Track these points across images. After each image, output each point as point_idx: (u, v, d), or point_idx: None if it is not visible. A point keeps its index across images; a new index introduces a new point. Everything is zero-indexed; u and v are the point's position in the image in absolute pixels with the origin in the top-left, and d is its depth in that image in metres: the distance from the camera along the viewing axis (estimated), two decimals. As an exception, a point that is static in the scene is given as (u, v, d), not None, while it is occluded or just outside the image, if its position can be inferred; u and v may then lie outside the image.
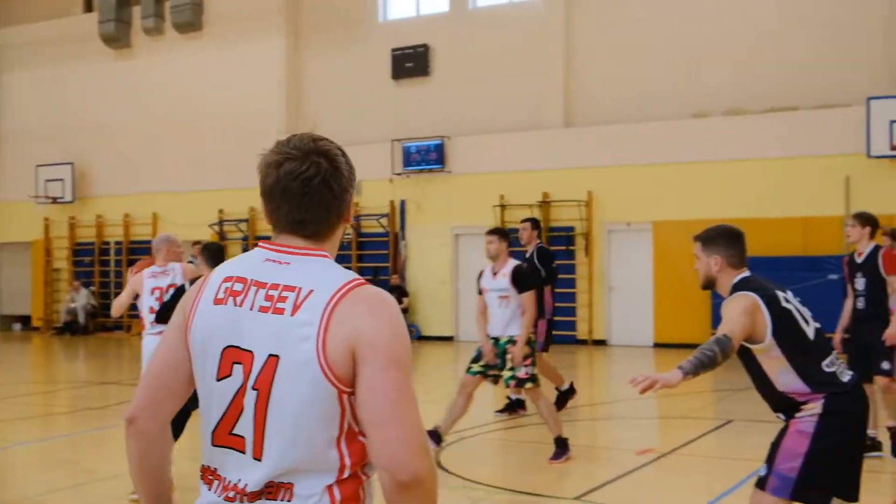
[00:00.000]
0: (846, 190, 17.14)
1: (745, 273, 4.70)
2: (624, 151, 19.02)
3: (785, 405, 4.53)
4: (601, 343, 19.44)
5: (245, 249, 23.17)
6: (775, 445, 4.52)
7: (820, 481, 4.43)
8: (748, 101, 18.28)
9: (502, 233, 8.61)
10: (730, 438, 9.86)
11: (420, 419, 2.12)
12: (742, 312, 4.42)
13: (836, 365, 4.53)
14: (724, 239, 4.73)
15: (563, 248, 19.56)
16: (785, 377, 4.47)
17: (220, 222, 23.34)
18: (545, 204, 19.81)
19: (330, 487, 2.17)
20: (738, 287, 4.62)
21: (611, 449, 9.41)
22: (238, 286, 2.27)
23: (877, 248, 8.13)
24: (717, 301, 17.41)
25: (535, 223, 10.93)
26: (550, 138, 19.89)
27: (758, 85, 18.17)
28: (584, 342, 19.59)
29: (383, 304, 2.21)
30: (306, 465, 2.16)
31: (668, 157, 18.61)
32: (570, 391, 10.85)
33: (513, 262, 8.49)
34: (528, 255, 10.64)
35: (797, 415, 4.47)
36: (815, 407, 4.43)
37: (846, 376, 4.52)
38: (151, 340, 7.51)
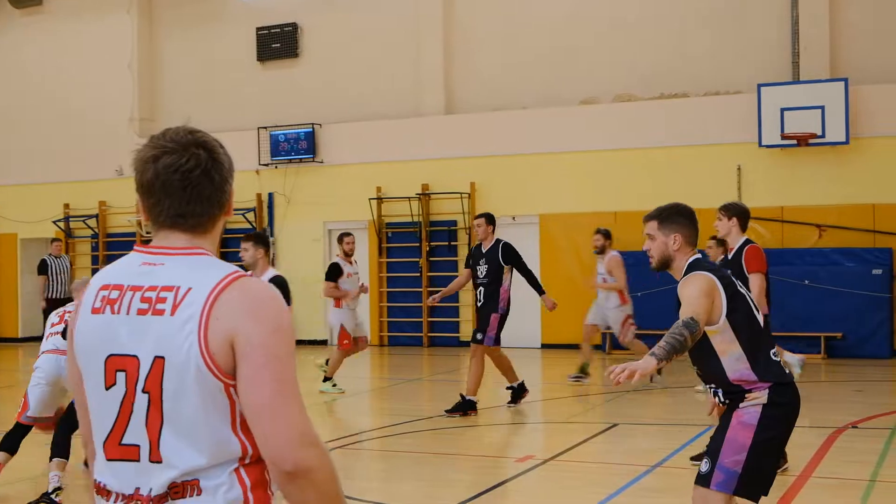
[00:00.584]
0: (738, 180, 17.91)
1: (698, 254, 4.97)
2: (508, 140, 19.40)
3: (732, 393, 4.78)
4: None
5: (94, 248, 22.80)
6: (718, 439, 4.74)
7: (763, 474, 4.67)
8: (637, 88, 18.91)
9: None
10: (614, 443, 10.27)
11: (303, 411, 2.30)
12: (701, 294, 4.66)
13: (778, 356, 4.82)
14: (683, 217, 4.98)
15: (445, 243, 19.88)
16: (735, 363, 4.73)
17: (66, 218, 22.91)
18: (425, 196, 20.09)
19: (237, 472, 2.35)
20: (693, 267, 4.88)
21: (490, 456, 9.68)
22: (114, 294, 2.40)
23: (746, 243, 8.25)
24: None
25: (489, 218, 11.96)
26: (430, 126, 20.14)
27: (647, 71, 18.80)
28: (467, 344, 19.83)
29: (263, 298, 2.37)
30: (207, 459, 2.32)
31: (555, 146, 19.08)
32: (522, 389, 12.07)
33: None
34: (485, 252, 11.83)
35: (741, 405, 4.72)
36: (760, 397, 4.69)
37: (789, 371, 4.84)
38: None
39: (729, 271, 7.97)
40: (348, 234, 13.75)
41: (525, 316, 19.25)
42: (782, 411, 4.74)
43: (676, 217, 4.97)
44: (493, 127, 19.66)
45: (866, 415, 11.07)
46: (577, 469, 8.90)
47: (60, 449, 7.54)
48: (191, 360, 2.30)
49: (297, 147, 20.95)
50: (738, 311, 4.74)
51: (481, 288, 11.75)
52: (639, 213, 18.43)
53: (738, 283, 4.88)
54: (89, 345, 2.42)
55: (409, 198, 20.04)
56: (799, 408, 4.85)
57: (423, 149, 20.09)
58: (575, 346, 18.45)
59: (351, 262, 13.57)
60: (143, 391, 2.34)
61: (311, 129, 20.90)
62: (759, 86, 17.39)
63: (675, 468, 8.58)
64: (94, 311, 2.43)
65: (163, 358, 2.32)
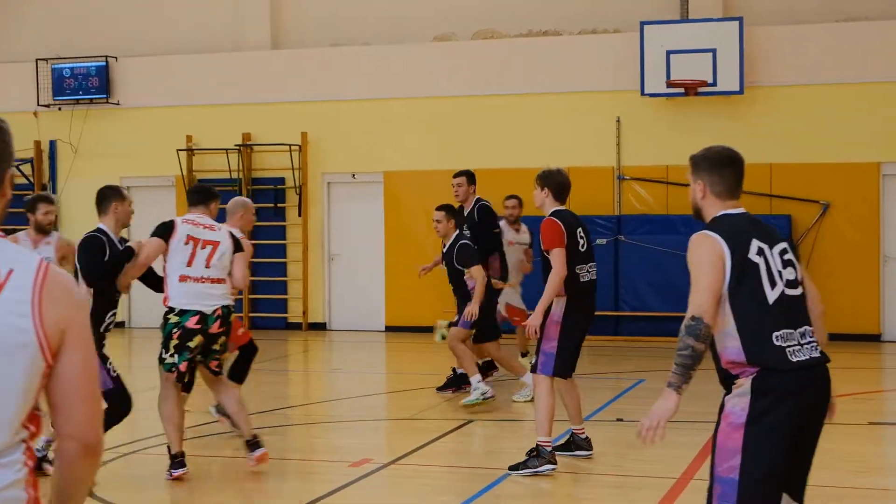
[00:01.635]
0: (617, 134, 18.24)
1: (730, 210, 5.05)
2: (347, 83, 19.25)
3: (723, 379, 4.88)
4: (319, 327, 19.61)
5: None
6: (713, 448, 4.86)
7: (765, 476, 4.72)
8: (502, 23, 18.95)
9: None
10: (467, 443, 10.29)
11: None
12: (708, 266, 4.79)
13: (793, 341, 4.81)
14: (709, 162, 5.09)
15: (271, 204, 19.62)
16: (728, 341, 4.81)
17: None
18: (246, 148, 19.78)
19: (27, 451, 2.82)
20: (710, 225, 5.01)
21: (319, 461, 9.62)
22: None
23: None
24: None
25: (470, 176, 12.52)
26: (253, 63, 19.85)
27: (513, 3, 18.86)
28: (297, 326, 19.72)
29: (72, 284, 2.88)
30: (9, 436, 2.76)
31: (404, 91, 19.01)
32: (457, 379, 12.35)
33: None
34: (466, 214, 12.08)
35: (727, 397, 4.84)
36: (743, 384, 4.76)
37: (800, 356, 4.79)
38: None
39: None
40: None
41: (368, 296, 19.17)
42: (772, 402, 4.73)
43: (702, 162, 5.12)
44: (328, 67, 19.46)
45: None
46: (422, 474, 8.88)
47: None
48: (25, 341, 2.73)
49: (86, 85, 20.32)
50: (742, 284, 4.81)
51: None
52: (501, 171, 18.67)
53: (761, 248, 4.90)
54: None
55: (226, 150, 19.69)
56: (806, 397, 4.81)
57: (244, 91, 19.80)
58: (420, 329, 18.43)
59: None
60: None
61: (104, 63, 20.31)
62: (642, 24, 17.63)
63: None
64: None
65: None
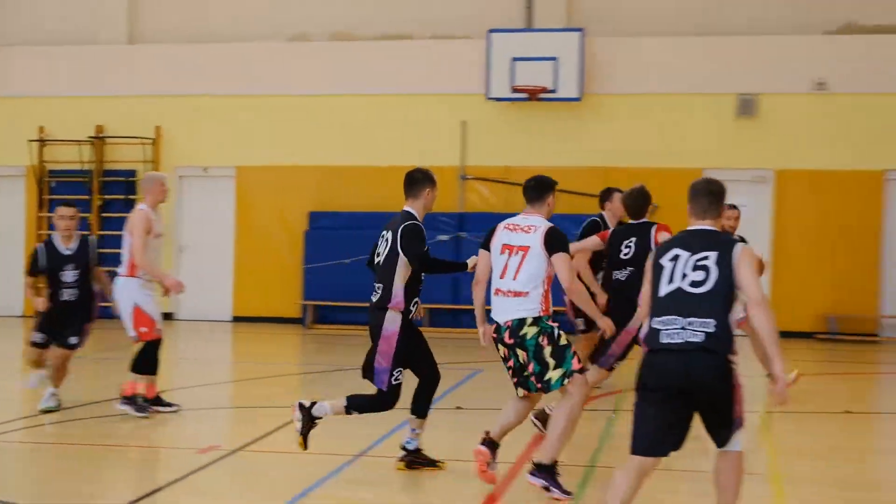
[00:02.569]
0: (462, 135, 18.13)
1: (690, 227, 5.97)
2: (202, 78, 18.84)
3: None
4: (166, 317, 18.94)
5: None
6: None
7: (639, 430, 5.67)
8: (357, 25, 18.72)
9: None
10: (315, 430, 9.77)
11: None
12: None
13: (675, 325, 5.63)
14: (690, 191, 5.99)
15: (122, 196, 18.99)
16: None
17: None
18: (99, 140, 19.12)
19: None
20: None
21: (165, 448, 9.21)
22: None
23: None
24: (310, 267, 17.49)
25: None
26: (107, 57, 19.25)
27: (369, 7, 18.72)
28: (148, 317, 18.95)
29: None
30: None
31: (258, 88, 18.69)
32: None
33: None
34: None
35: None
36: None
37: (673, 339, 5.61)
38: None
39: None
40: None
41: (216, 287, 18.71)
42: (646, 372, 5.72)
43: (689, 190, 6.03)
44: (183, 62, 18.95)
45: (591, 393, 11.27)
46: (270, 460, 8.49)
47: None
48: None
49: (-70, 72, 19.25)
50: (654, 281, 5.87)
51: None
52: (353, 168, 18.27)
53: (676, 256, 5.83)
54: None
55: (79, 141, 19.05)
56: (668, 374, 5.59)
57: (99, 83, 19.16)
58: (269, 320, 18.08)
59: None
60: None
61: (-48, 51, 19.27)
62: (490, 31, 17.68)
63: (379, 457, 8.49)
64: None
65: None
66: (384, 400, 7.77)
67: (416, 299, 7.94)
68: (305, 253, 17.93)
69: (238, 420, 10.80)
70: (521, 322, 7.19)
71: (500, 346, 7.30)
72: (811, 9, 17.67)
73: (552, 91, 17.42)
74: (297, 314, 18.05)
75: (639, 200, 9.62)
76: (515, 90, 17.45)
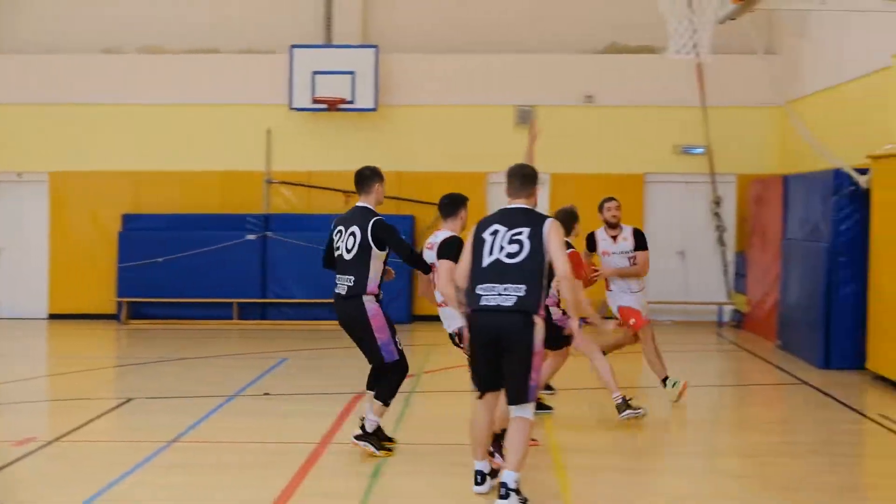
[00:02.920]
0: (267, 143, 18.38)
1: (507, 205, 6.95)
2: (17, 87, 18.53)
3: None
4: (-18, 316, 18.72)
5: None
6: None
7: (473, 369, 6.90)
8: (168, 40, 18.72)
9: None
10: (128, 419, 10.19)
11: None
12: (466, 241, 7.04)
13: (492, 292, 6.61)
14: (506, 174, 7.04)
15: (-63, 200, 18.40)
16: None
17: None
18: (-90, 145, 18.37)
19: None
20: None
21: None
22: None
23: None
24: (125, 266, 17.55)
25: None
26: None
27: (178, 22, 18.67)
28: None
29: None
30: None
31: (71, 98, 18.46)
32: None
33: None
34: None
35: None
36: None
37: (488, 302, 6.63)
38: None
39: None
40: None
41: (30, 282, 18.56)
42: (469, 327, 6.84)
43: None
44: (2, 70, 18.60)
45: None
46: (86, 449, 8.76)
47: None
48: None
49: None
50: (474, 253, 6.93)
51: None
52: (165, 173, 18.28)
53: (495, 231, 6.84)
54: None
55: None
56: (481, 327, 6.71)
57: None
58: (85, 317, 17.95)
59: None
60: None
61: None
62: (292, 47, 17.89)
63: (191, 443, 8.81)
64: None
65: None
66: (400, 367, 8.31)
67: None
68: (119, 253, 17.88)
69: (54, 412, 10.84)
70: None
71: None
72: (580, 30, 18.27)
73: (350, 102, 17.65)
74: (113, 311, 18.00)
75: (567, 220, 9.58)
76: (316, 101, 17.63)
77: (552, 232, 6.63)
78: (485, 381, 6.87)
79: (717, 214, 18.00)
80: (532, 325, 6.55)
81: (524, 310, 6.53)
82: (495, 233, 6.71)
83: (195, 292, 17.78)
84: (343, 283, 8.21)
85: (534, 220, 6.72)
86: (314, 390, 11.64)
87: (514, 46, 18.52)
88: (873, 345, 12.31)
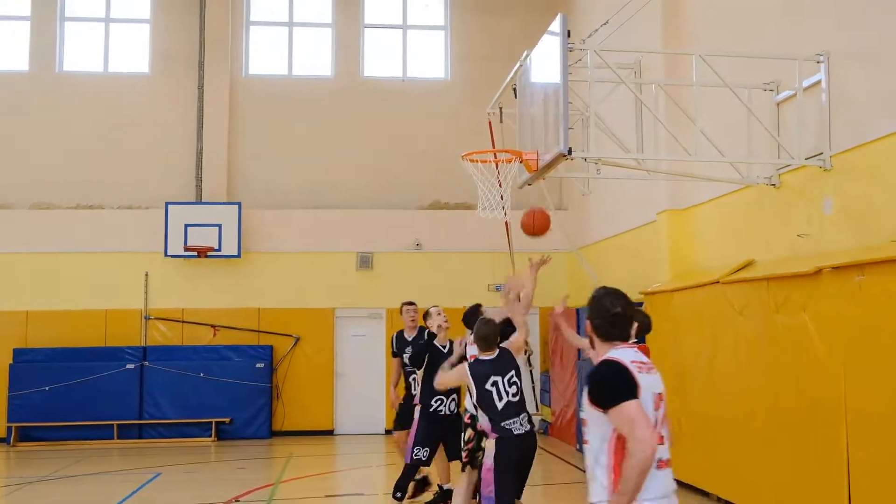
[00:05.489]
0: (146, 285, 18.33)
1: (481, 357, 7.29)
2: None
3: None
4: None
5: None
6: (479, 478, 7.56)
7: (501, 490, 6.85)
8: (57, 197, 18.67)
9: None
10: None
11: None
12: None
13: (511, 423, 7.04)
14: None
15: None
16: (483, 421, 7.27)
17: None
18: None
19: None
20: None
21: None
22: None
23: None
24: (14, 395, 17.02)
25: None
26: None
27: (67, 183, 18.64)
28: None
29: None
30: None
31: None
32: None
33: None
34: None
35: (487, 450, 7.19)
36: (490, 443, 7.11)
37: (519, 430, 7.03)
38: None
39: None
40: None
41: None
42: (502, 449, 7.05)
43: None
44: None
45: (247, 488, 11.82)
46: None
47: None
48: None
49: None
50: (481, 401, 7.26)
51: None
52: (53, 312, 17.57)
53: (494, 381, 7.18)
54: None
55: None
56: (517, 452, 7.07)
57: None
58: None
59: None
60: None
61: None
62: (167, 203, 18.03)
63: None
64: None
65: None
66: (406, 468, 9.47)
67: (438, 396, 9.07)
68: (10, 382, 17.42)
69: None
70: None
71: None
72: (410, 191, 18.77)
73: (217, 250, 17.75)
74: (3, 434, 17.44)
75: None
76: (188, 249, 17.68)
77: (511, 349, 7.44)
78: (510, 493, 7.08)
79: (525, 341, 18.28)
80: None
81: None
82: (494, 383, 7.15)
83: (79, 416, 17.30)
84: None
85: (508, 361, 7.31)
86: (190, 501, 11.46)
87: (356, 203, 18.80)
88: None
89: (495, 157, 9.52)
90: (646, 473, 3.73)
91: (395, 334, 10.96)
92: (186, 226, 17.88)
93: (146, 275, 18.35)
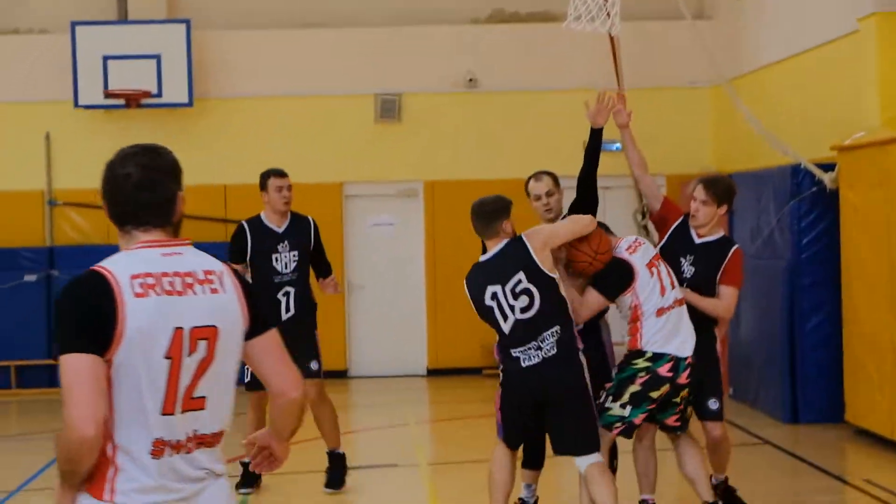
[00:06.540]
0: (47, 152, 14.47)
1: (483, 257, 5.91)
2: None
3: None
4: None
5: None
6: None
7: (506, 423, 6.08)
8: None
9: None
10: None
11: None
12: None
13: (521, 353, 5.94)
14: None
15: None
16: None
17: None
18: None
19: None
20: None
21: None
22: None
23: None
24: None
25: None
26: None
27: None
28: None
29: None
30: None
31: None
32: None
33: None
34: None
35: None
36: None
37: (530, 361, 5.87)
38: None
39: None
40: None
41: None
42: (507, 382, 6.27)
43: None
44: None
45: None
46: None
47: None
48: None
49: None
50: (489, 322, 6.37)
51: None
52: None
53: (494, 293, 5.86)
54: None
55: None
56: (523, 387, 5.94)
57: None
58: None
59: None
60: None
61: None
62: (74, 24, 14.20)
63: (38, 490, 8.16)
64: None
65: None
66: None
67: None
68: None
69: None
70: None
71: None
72: None
73: (156, 95, 14.13)
74: None
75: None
76: (110, 95, 13.91)
77: (531, 240, 5.76)
78: (518, 431, 6.40)
79: (644, 228, 14.20)
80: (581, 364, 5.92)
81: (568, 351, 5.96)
82: (494, 295, 5.81)
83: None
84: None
85: (519, 255, 5.78)
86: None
87: (372, 17, 15.12)
88: (852, 391, 10.13)
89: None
90: None
91: None
92: (106, 58, 14.30)
93: (47, 137, 14.67)
